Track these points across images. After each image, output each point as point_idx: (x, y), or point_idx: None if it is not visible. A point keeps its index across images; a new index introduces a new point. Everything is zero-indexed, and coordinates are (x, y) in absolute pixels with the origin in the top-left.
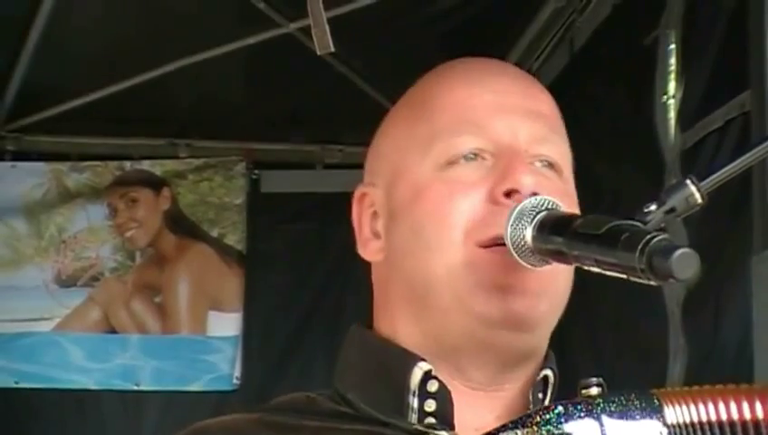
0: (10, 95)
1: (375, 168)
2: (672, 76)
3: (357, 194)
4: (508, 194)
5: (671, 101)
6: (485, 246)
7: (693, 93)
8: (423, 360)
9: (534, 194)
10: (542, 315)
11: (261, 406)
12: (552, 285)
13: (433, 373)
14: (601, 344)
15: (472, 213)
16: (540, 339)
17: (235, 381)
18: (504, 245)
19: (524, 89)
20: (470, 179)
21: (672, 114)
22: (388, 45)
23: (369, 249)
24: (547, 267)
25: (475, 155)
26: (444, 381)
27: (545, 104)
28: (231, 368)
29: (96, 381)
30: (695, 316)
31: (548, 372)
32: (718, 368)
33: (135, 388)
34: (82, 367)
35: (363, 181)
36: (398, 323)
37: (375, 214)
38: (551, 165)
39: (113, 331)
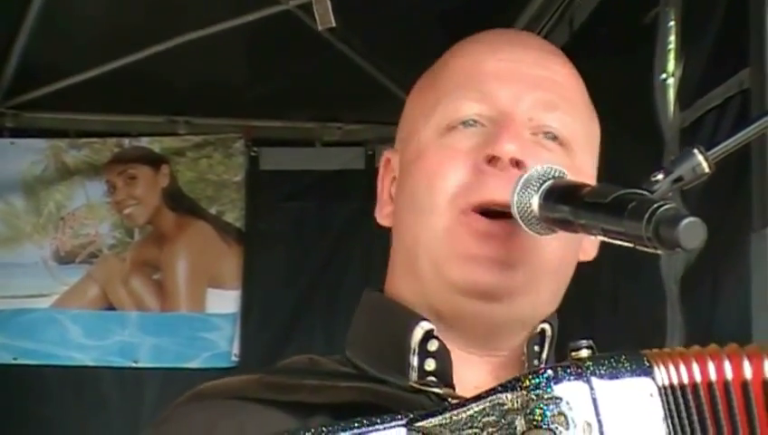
0: (9, 72)
1: (398, 134)
2: (671, 54)
3: (383, 159)
4: (491, 161)
5: (671, 80)
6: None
7: (692, 71)
8: (425, 320)
9: (518, 162)
10: (518, 286)
11: (264, 368)
12: (533, 256)
13: (434, 333)
14: (599, 322)
15: (459, 180)
16: (521, 309)
17: (233, 358)
18: (488, 214)
19: (538, 58)
20: (464, 146)
21: (671, 92)
22: (388, 23)
23: (381, 213)
24: (531, 238)
25: (475, 122)
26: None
27: (560, 75)
28: (229, 345)
29: (94, 358)
30: (692, 293)
31: (545, 325)
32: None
33: (133, 365)
34: (81, 344)
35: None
36: (399, 286)
37: (394, 179)
38: (555, 138)
39: (112, 308)
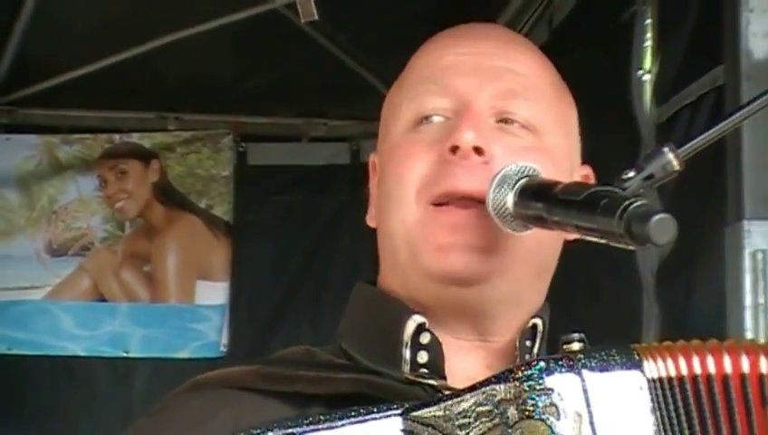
0: (3, 69)
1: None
2: (648, 51)
3: (370, 163)
4: (454, 151)
5: (647, 76)
6: (436, 204)
7: (668, 68)
8: (417, 313)
9: (478, 149)
10: (493, 269)
11: (260, 359)
12: (507, 238)
13: (426, 326)
14: (576, 314)
15: (423, 173)
16: (500, 290)
17: (222, 348)
18: (450, 203)
19: (497, 49)
20: (428, 139)
21: (648, 88)
22: (373, 20)
23: (369, 216)
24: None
25: (439, 115)
26: (436, 334)
27: (523, 64)
28: (218, 336)
29: (85, 348)
30: (668, 285)
31: (537, 320)
32: (691, 336)
33: (124, 355)
34: (73, 334)
35: None
36: (388, 281)
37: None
38: (520, 123)
39: (103, 299)
